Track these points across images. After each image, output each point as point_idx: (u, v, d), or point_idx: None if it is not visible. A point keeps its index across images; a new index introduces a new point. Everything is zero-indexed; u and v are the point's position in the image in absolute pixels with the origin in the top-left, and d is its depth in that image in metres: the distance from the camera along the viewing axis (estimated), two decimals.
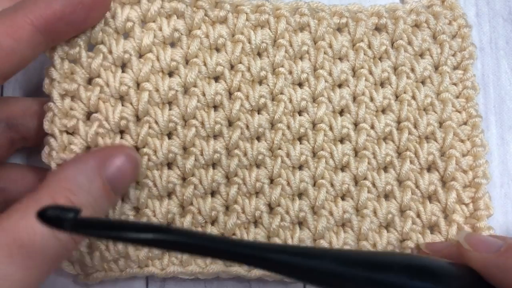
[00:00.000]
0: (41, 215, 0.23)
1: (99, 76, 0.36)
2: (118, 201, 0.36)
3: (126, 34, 0.37)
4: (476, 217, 0.39)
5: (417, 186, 0.40)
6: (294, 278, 0.28)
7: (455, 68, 0.41)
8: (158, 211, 0.37)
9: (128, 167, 0.33)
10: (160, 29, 0.37)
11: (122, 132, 0.37)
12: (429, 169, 0.40)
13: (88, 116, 0.36)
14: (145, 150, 0.37)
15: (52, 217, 0.23)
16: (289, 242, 0.38)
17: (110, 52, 0.36)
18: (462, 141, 0.40)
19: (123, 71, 0.37)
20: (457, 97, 0.41)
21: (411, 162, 0.40)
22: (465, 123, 0.41)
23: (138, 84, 0.37)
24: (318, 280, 0.28)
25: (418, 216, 0.39)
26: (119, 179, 0.32)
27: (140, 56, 0.37)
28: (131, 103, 0.37)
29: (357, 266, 0.28)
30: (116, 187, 0.32)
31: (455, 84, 0.41)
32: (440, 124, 0.40)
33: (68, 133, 0.36)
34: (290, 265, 0.27)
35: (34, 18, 0.31)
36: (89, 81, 0.37)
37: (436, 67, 0.41)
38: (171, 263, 0.38)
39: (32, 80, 0.42)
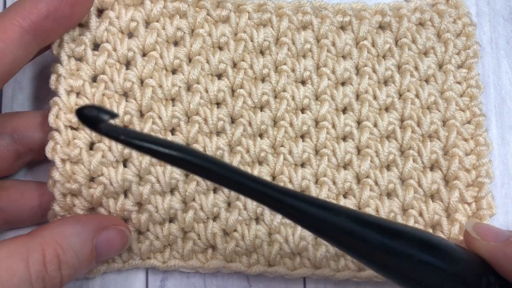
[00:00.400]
0: (80, 113, 0.24)
1: (103, 73, 0.37)
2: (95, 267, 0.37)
3: (131, 34, 0.38)
4: (479, 216, 0.39)
5: (420, 185, 0.39)
6: (307, 227, 0.28)
7: (459, 66, 0.41)
8: (160, 207, 0.37)
9: (117, 242, 0.35)
10: (164, 28, 0.38)
11: (125, 127, 0.37)
12: (432, 168, 0.40)
13: None
14: None
15: (89, 116, 0.24)
16: (290, 239, 0.38)
17: (115, 50, 0.37)
18: (466, 140, 0.40)
19: (127, 69, 0.38)
20: (461, 95, 0.41)
21: (414, 160, 0.40)
22: (468, 122, 0.40)
23: (142, 81, 0.38)
24: (329, 234, 0.28)
25: (421, 215, 0.39)
26: (105, 251, 0.34)
27: (144, 54, 0.38)
28: (135, 99, 0.37)
29: (371, 228, 0.28)
30: (101, 256, 0.34)
31: (459, 82, 0.41)
32: (444, 122, 0.40)
33: (72, 128, 0.36)
34: (306, 214, 0.27)
35: (20, 19, 0.33)
36: (94, 78, 0.37)
37: (440, 66, 0.41)
38: (172, 256, 0.39)
39: (32, 80, 0.42)
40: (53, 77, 0.36)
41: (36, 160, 0.39)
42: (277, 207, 0.27)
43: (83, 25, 0.37)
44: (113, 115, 0.24)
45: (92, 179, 0.37)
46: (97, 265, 0.37)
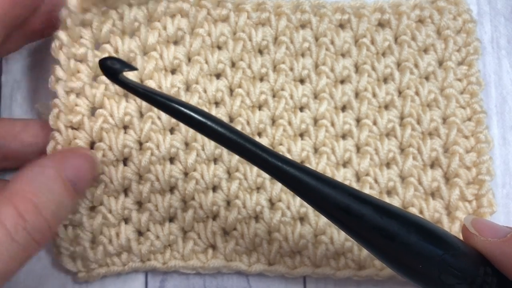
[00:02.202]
0: (102, 64, 0.26)
1: None
2: (81, 199, 0.37)
3: (132, 33, 0.38)
4: (479, 214, 0.38)
5: (420, 183, 0.39)
6: (305, 198, 0.29)
7: (460, 63, 0.41)
8: (160, 205, 0.38)
9: (86, 166, 0.34)
10: (165, 28, 0.38)
11: (125, 127, 0.38)
12: (432, 166, 0.40)
13: (93, 112, 0.38)
14: (148, 144, 0.37)
15: (110, 67, 0.26)
16: (290, 237, 0.38)
17: (116, 51, 0.37)
18: (466, 137, 0.40)
19: None
20: (462, 93, 0.40)
21: (414, 158, 0.39)
22: (469, 119, 0.40)
23: (141, 81, 0.38)
24: (325, 207, 0.29)
25: (421, 212, 0.39)
26: (79, 178, 0.33)
27: (145, 54, 0.38)
28: (135, 100, 0.38)
29: (368, 206, 0.28)
30: (78, 186, 0.33)
31: (459, 79, 0.41)
32: (444, 120, 0.40)
33: (73, 128, 0.37)
34: (305, 184, 0.28)
35: None
36: (94, 78, 0.38)
37: (440, 63, 0.41)
38: (172, 257, 0.39)
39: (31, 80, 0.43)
40: (52, 78, 0.36)
41: (9, 168, 0.39)
42: (276, 174, 0.29)
43: (85, 26, 0.38)
44: (133, 68, 0.27)
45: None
46: (80, 196, 0.36)
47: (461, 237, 0.38)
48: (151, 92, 0.27)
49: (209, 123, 0.28)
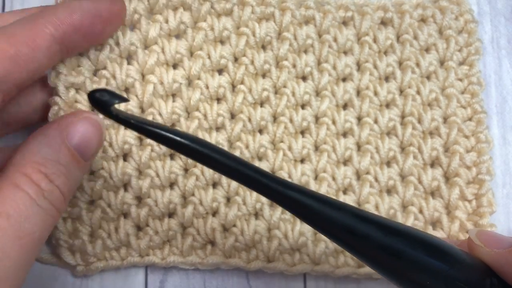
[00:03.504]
0: (92, 97, 0.25)
1: (105, 68, 0.37)
2: (89, 167, 0.36)
3: (132, 26, 0.38)
4: (479, 214, 0.39)
5: (420, 182, 0.39)
6: (307, 221, 0.29)
7: (461, 63, 0.41)
8: (160, 201, 0.38)
9: (91, 131, 0.32)
10: (166, 21, 0.38)
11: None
12: (432, 165, 0.40)
13: (93, 108, 0.37)
14: (148, 140, 0.37)
15: (101, 100, 0.25)
16: (289, 234, 0.38)
17: (117, 44, 0.37)
18: (467, 137, 0.40)
19: (128, 63, 0.37)
20: (462, 92, 0.41)
21: (415, 157, 0.40)
22: (469, 119, 0.40)
23: (143, 76, 0.38)
24: (329, 230, 0.28)
25: (421, 212, 0.39)
26: (85, 145, 0.32)
27: (146, 47, 0.38)
28: (136, 95, 0.37)
29: (372, 225, 0.28)
30: (84, 153, 0.32)
31: (460, 79, 0.41)
32: (445, 119, 0.40)
33: None
34: (306, 207, 0.27)
35: (53, 28, 0.31)
36: (95, 73, 0.37)
37: (441, 62, 0.41)
38: (171, 253, 0.39)
39: None
40: (52, 74, 0.36)
41: (10, 133, 0.38)
42: (277, 199, 0.28)
43: None
44: (124, 100, 0.26)
45: (92, 173, 0.37)
46: (89, 164, 0.34)
47: (461, 237, 0.38)
48: (144, 123, 0.27)
49: (205, 151, 0.27)
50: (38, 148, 0.30)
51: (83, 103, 0.36)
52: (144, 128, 0.27)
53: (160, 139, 0.27)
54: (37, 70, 0.32)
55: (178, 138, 0.27)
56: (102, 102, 0.26)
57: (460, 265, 0.29)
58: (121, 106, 0.37)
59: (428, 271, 0.28)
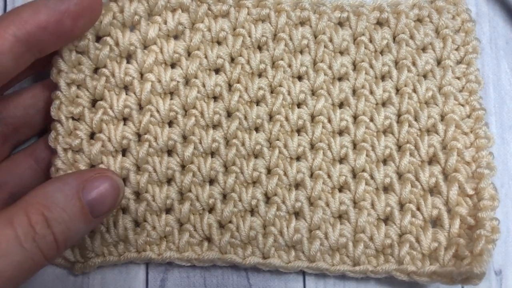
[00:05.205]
0: None
1: (105, 66, 0.38)
2: (96, 225, 0.35)
3: (132, 27, 0.39)
4: (480, 207, 0.38)
5: (417, 179, 0.39)
6: None
7: (459, 62, 0.41)
8: (157, 196, 0.38)
9: (109, 191, 0.33)
10: (165, 22, 0.39)
11: (125, 119, 0.39)
12: (430, 162, 0.40)
13: (93, 103, 0.38)
14: (146, 136, 0.38)
15: None
16: (285, 231, 0.38)
17: (117, 44, 0.38)
18: (465, 133, 0.39)
19: (128, 62, 0.39)
20: (461, 90, 0.40)
21: (411, 154, 0.39)
22: (468, 116, 0.40)
23: (141, 75, 0.39)
24: None
25: (419, 209, 0.39)
26: (99, 202, 0.32)
27: (145, 47, 0.39)
28: (134, 93, 0.39)
29: None
30: (95, 210, 0.32)
31: (458, 78, 0.41)
32: (442, 117, 0.40)
33: (74, 119, 0.38)
34: None
35: (16, 29, 0.31)
36: (95, 71, 0.39)
37: (438, 61, 0.41)
38: (168, 248, 0.39)
39: None
40: (54, 71, 0.37)
41: (22, 141, 0.39)
42: None
43: None
44: None
45: (92, 167, 0.38)
46: (98, 222, 0.34)
47: (462, 234, 0.37)
48: None
49: None
50: (52, 192, 0.31)
51: (84, 99, 0.38)
52: None
53: None
54: (2, 73, 0.31)
55: None
56: None
57: None
58: (120, 102, 0.38)
59: None
